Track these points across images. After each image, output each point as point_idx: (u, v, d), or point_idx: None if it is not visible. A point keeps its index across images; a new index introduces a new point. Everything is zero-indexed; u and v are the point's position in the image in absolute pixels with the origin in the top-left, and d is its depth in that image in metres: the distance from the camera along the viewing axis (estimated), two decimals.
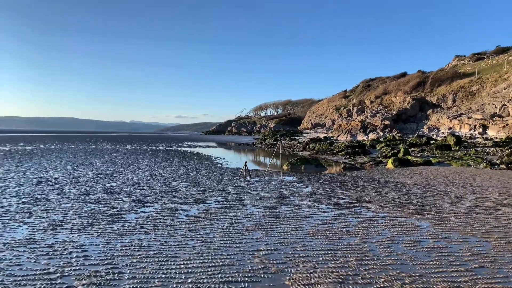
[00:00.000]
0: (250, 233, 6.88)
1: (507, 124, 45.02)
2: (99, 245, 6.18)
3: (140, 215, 8.27)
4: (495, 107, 49.82)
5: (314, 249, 6.02)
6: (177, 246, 6.10)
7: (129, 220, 7.86)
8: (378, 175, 17.54)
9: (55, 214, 8.39)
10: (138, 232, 6.91)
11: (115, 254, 5.71)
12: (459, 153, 29.75)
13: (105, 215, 8.29)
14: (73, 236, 6.68)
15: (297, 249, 6.03)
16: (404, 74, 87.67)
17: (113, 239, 6.48)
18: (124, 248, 5.99)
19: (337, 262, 5.48)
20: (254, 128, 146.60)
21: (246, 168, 15.25)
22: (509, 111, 47.27)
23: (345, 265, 5.35)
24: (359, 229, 7.29)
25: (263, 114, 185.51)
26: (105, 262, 5.37)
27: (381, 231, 7.18)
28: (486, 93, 56.68)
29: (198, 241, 6.36)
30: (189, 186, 12.73)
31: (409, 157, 24.86)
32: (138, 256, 5.61)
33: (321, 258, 5.61)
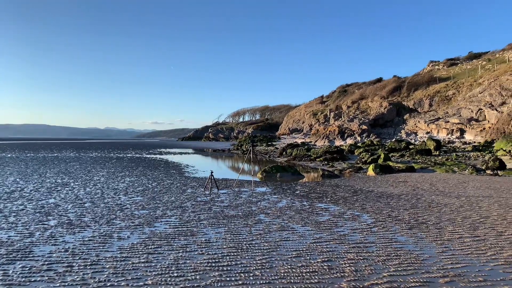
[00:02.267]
0: (198, 276, 4.98)
1: (484, 128, 44.66)
2: None
3: (58, 248, 6.25)
4: (472, 111, 49.60)
5: None
6: None
7: (38, 256, 5.84)
8: (360, 183, 15.94)
9: None
10: (40, 279, 4.90)
11: None
12: (440, 158, 28.67)
13: (10, 248, 6.23)
14: None
15: None
16: (380, 80, 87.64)
17: None
18: None
19: None
20: (232, 133, 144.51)
21: (212, 178, 13.33)
22: (485, 115, 47.04)
23: None
24: (345, 264, 5.50)
25: (241, 119, 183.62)
26: None
27: (374, 266, 5.41)
28: (462, 97, 56.61)
29: None
30: (141, 202, 10.71)
31: (391, 163, 23.47)
32: None
33: None
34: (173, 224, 7.92)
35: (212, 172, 13.30)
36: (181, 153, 47.23)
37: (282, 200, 11.29)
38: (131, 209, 9.61)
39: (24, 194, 12.11)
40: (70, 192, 12.66)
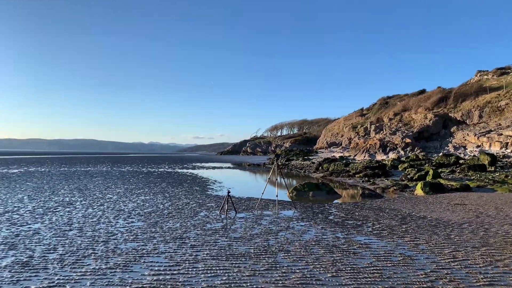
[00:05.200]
0: None
1: None
2: None
3: None
4: None
5: None
6: None
7: None
8: (408, 206, 13.38)
9: None
10: None
11: None
12: (497, 174, 25.20)
13: None
14: None
15: None
16: (423, 91, 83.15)
17: None
18: None
19: None
20: (269, 148, 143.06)
21: (229, 199, 11.30)
22: None
23: None
24: None
25: (279, 133, 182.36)
26: None
27: None
28: None
29: None
30: (137, 230, 8.82)
31: (442, 181, 20.55)
32: None
33: None
34: (156, 269, 5.91)
35: (229, 192, 11.27)
36: (214, 168, 45.74)
37: (311, 230, 9.04)
38: (118, 241, 7.72)
39: (14, 216, 10.57)
40: (67, 214, 11.02)
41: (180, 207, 12.63)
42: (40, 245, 7.32)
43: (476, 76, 79.77)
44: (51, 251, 6.90)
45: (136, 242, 7.62)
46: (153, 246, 7.29)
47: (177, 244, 7.49)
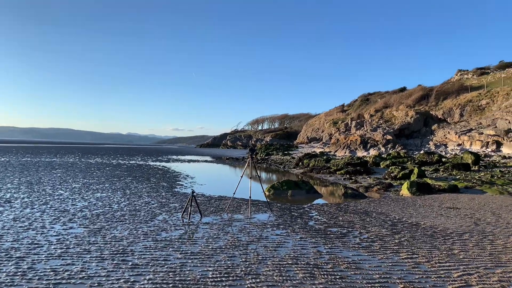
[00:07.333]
0: None
1: None
2: None
3: None
4: (509, 122, 44.79)
5: None
6: None
7: None
8: (396, 209, 11.99)
9: None
10: None
11: None
12: (482, 174, 24.27)
13: None
14: None
15: None
16: (403, 89, 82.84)
17: None
18: None
19: None
20: (250, 141, 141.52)
21: (194, 200, 9.62)
22: None
23: None
24: None
25: (260, 127, 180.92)
26: None
27: None
28: (497, 107, 51.81)
29: None
30: (71, 240, 7.06)
31: (428, 180, 19.36)
32: None
33: None
34: None
35: (193, 192, 9.58)
36: (190, 161, 43.80)
37: (288, 241, 7.47)
38: (39, 257, 5.95)
39: None
40: None
41: (137, 207, 10.87)
42: None
43: (456, 75, 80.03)
44: None
45: (62, 259, 5.87)
46: (82, 266, 5.56)
47: (115, 262, 5.78)
